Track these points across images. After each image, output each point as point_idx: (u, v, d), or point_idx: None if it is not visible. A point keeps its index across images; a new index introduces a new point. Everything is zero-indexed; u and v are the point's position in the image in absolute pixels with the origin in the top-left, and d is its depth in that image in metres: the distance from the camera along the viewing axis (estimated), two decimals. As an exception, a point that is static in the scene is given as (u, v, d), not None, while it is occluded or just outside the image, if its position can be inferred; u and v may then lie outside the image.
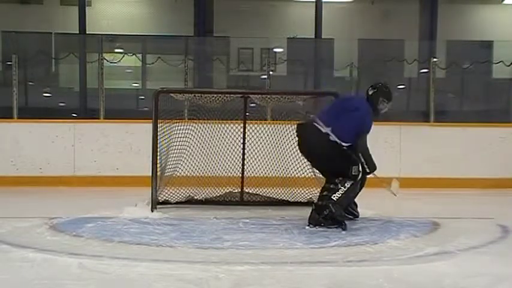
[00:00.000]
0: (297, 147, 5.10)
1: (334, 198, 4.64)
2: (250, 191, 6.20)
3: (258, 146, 6.29)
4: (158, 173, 5.75)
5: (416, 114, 9.70)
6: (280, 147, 6.20)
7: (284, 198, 6.11)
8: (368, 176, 4.97)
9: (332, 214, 4.64)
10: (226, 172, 6.28)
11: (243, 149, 6.18)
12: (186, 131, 6.09)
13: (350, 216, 5.07)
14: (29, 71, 10.10)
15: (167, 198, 5.92)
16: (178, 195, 6.01)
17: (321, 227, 4.65)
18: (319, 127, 4.75)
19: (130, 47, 10.87)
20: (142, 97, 11.15)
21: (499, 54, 10.54)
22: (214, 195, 6.10)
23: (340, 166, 4.72)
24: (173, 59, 9.81)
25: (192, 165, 6.19)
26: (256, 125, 6.41)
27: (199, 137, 6.22)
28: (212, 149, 6.26)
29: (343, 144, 4.72)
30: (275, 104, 6.45)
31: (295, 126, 5.06)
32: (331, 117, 4.78)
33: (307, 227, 4.68)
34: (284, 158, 6.16)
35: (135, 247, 3.95)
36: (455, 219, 5.25)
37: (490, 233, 4.59)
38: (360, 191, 5.03)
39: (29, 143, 8.04)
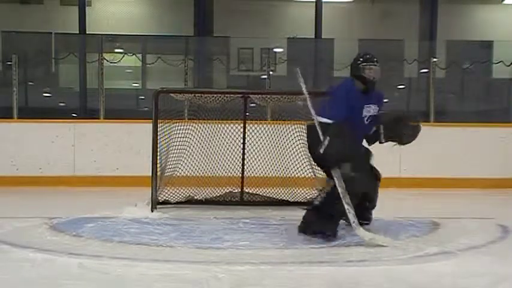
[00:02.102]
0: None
1: (316, 203, 4.52)
2: (250, 191, 6.20)
3: (258, 146, 6.29)
4: (158, 173, 5.75)
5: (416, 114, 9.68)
6: (280, 147, 6.20)
7: (284, 198, 6.11)
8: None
9: (314, 221, 4.37)
10: (226, 172, 6.28)
11: (243, 149, 6.18)
12: (186, 131, 6.09)
13: (366, 222, 4.65)
14: (29, 71, 10.11)
15: (167, 198, 5.93)
16: (178, 195, 6.01)
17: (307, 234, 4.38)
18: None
19: (130, 47, 10.85)
20: (142, 97, 11.15)
21: (499, 54, 10.53)
22: (214, 195, 6.10)
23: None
24: (173, 59, 9.80)
25: (192, 165, 6.19)
26: (256, 125, 6.42)
27: (199, 137, 6.22)
28: (212, 149, 6.26)
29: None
30: (275, 104, 6.45)
31: (306, 127, 4.97)
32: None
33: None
34: (284, 158, 6.17)
35: (135, 247, 3.95)
36: (455, 219, 5.24)
37: (490, 233, 4.59)
38: (367, 199, 4.63)
39: (29, 143, 8.03)
